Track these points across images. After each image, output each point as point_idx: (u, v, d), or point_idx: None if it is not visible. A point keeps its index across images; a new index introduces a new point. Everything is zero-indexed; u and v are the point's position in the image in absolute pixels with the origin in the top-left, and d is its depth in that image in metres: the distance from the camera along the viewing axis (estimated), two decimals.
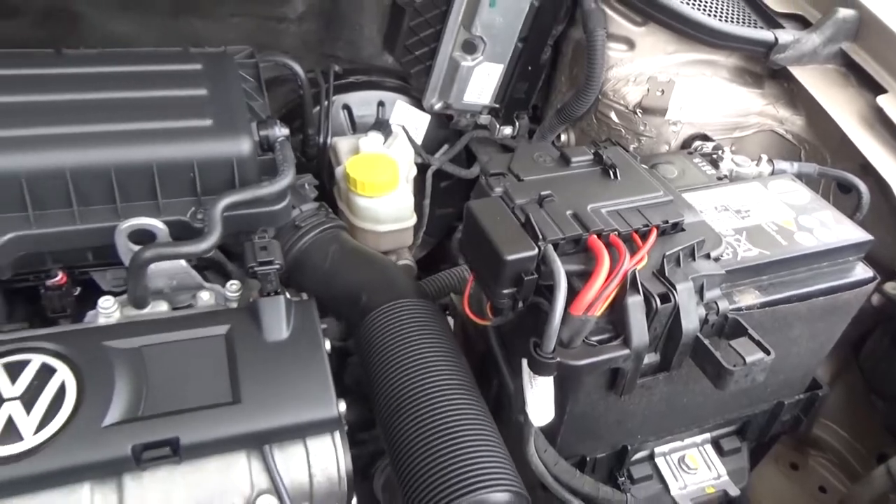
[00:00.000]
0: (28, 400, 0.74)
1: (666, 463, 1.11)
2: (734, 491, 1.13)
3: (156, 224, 0.90)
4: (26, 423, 0.73)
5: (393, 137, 1.39)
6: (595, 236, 0.86)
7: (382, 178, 1.24)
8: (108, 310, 0.88)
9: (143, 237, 0.91)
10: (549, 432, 0.94)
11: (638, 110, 1.39)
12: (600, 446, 1.03)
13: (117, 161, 0.91)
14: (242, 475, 0.78)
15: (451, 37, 1.39)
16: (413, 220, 1.30)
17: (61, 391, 0.76)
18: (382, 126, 1.40)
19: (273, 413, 0.79)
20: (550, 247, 0.84)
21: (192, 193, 0.96)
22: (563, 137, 1.56)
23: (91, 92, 1.01)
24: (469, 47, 1.41)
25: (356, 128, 1.49)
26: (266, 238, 0.92)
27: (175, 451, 0.75)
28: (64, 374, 0.77)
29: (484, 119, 1.57)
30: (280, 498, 0.78)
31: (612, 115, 1.42)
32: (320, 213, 1.15)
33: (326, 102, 1.38)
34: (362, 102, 1.49)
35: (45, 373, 0.77)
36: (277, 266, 0.90)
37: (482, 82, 1.46)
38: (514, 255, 0.82)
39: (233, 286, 0.95)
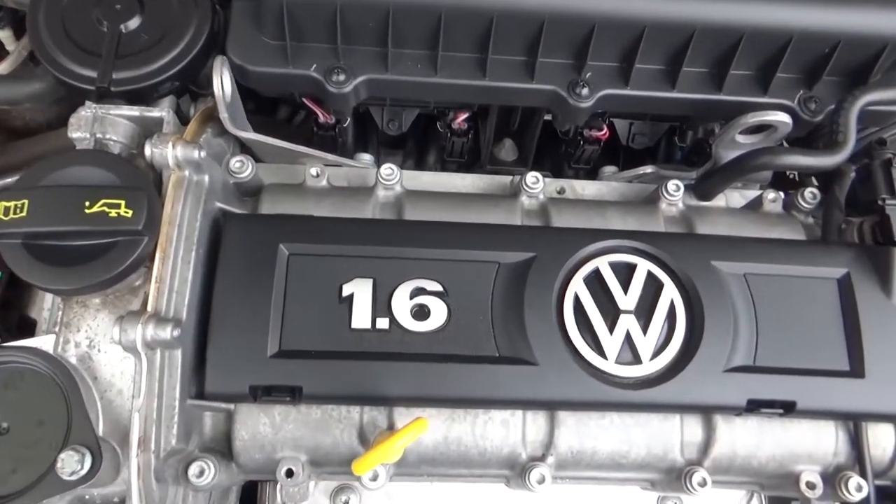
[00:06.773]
0: (641, 312, 0.67)
1: None
2: None
3: (783, 120, 0.71)
4: (643, 342, 0.66)
5: None
6: None
7: None
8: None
9: (760, 129, 0.73)
10: None
11: None
12: None
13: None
14: (828, 444, 0.70)
15: None
16: None
17: (672, 312, 0.68)
18: None
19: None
20: None
21: (806, 73, 0.74)
22: None
23: None
24: None
25: None
26: None
27: (788, 410, 0.66)
28: (671, 291, 0.68)
29: None
30: (866, 478, 0.69)
31: None
32: None
33: None
34: None
35: (652, 284, 0.68)
36: None
37: None
38: None
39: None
